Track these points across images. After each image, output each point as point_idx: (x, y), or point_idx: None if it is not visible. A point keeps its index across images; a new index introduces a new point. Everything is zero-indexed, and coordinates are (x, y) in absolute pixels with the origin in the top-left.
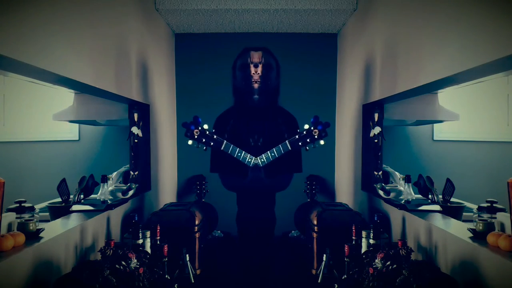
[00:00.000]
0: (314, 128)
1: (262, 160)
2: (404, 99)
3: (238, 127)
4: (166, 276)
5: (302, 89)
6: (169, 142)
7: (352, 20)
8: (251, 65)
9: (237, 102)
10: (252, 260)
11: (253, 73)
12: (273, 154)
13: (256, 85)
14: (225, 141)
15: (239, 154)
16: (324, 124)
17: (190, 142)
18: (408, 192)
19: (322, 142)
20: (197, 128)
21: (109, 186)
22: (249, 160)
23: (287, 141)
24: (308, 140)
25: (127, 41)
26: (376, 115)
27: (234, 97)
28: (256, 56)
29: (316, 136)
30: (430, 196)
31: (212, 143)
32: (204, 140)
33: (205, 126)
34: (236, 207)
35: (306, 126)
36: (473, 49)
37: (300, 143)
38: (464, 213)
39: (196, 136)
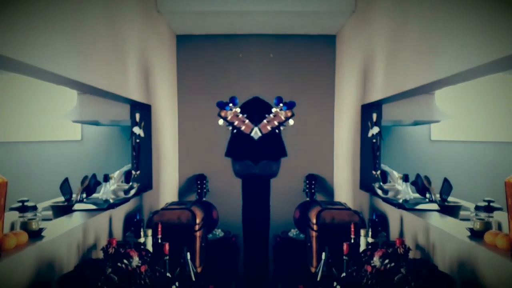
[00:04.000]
0: (280, 110)
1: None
2: (402, 100)
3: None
4: (167, 274)
5: (301, 90)
6: (170, 142)
7: (350, 21)
8: None
9: None
10: (254, 256)
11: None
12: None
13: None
14: (256, 128)
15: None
16: (289, 104)
17: (220, 122)
18: (406, 191)
19: (291, 122)
20: (232, 110)
21: (111, 185)
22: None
23: (255, 128)
24: (276, 122)
25: (128, 42)
26: (374, 115)
27: None
28: None
29: (283, 118)
30: (427, 195)
31: (243, 128)
32: (236, 123)
33: (238, 110)
34: (238, 208)
35: (273, 109)
36: (472, 50)
37: (269, 128)
38: (461, 212)
39: (229, 118)
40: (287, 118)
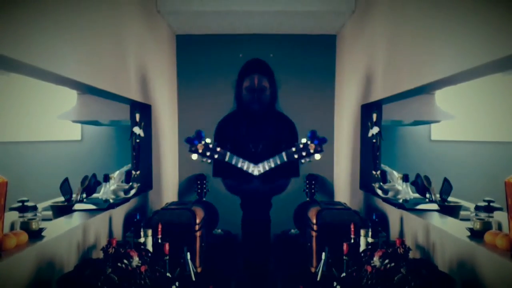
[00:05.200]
0: (311, 143)
1: (259, 169)
2: (402, 100)
3: (239, 134)
4: (167, 274)
5: (301, 90)
6: (170, 142)
7: (350, 21)
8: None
9: (239, 107)
10: (253, 261)
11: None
12: (269, 164)
13: (257, 100)
14: (228, 153)
15: (242, 164)
16: (321, 140)
17: (194, 157)
18: (406, 191)
19: (317, 157)
20: (201, 143)
21: (111, 185)
22: (252, 169)
23: (283, 153)
24: (303, 153)
25: (128, 42)
26: (374, 115)
27: (236, 102)
28: (256, 78)
29: (312, 151)
30: (427, 195)
31: (216, 156)
32: (208, 153)
33: (208, 140)
34: (238, 208)
35: (304, 140)
36: (472, 50)
37: (296, 156)
38: (461, 212)
39: (200, 151)
40: (315, 152)
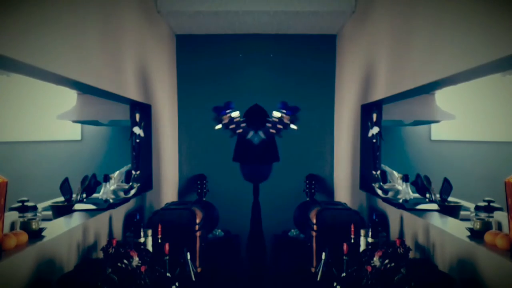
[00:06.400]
0: (285, 115)
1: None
2: (402, 100)
3: None
4: (167, 274)
5: (301, 89)
6: (170, 142)
7: (351, 21)
8: None
9: None
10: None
11: None
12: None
13: None
14: (252, 132)
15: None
16: (293, 109)
17: (218, 126)
18: (406, 191)
19: (294, 126)
20: (226, 114)
21: (111, 185)
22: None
23: (260, 132)
24: (279, 126)
25: (128, 42)
26: (374, 115)
27: None
28: None
29: (287, 122)
30: (427, 195)
31: (238, 131)
32: (231, 126)
33: (235, 114)
34: (237, 208)
35: (277, 114)
36: (472, 50)
37: (273, 131)
38: (461, 212)
39: (224, 121)
40: (291, 122)
